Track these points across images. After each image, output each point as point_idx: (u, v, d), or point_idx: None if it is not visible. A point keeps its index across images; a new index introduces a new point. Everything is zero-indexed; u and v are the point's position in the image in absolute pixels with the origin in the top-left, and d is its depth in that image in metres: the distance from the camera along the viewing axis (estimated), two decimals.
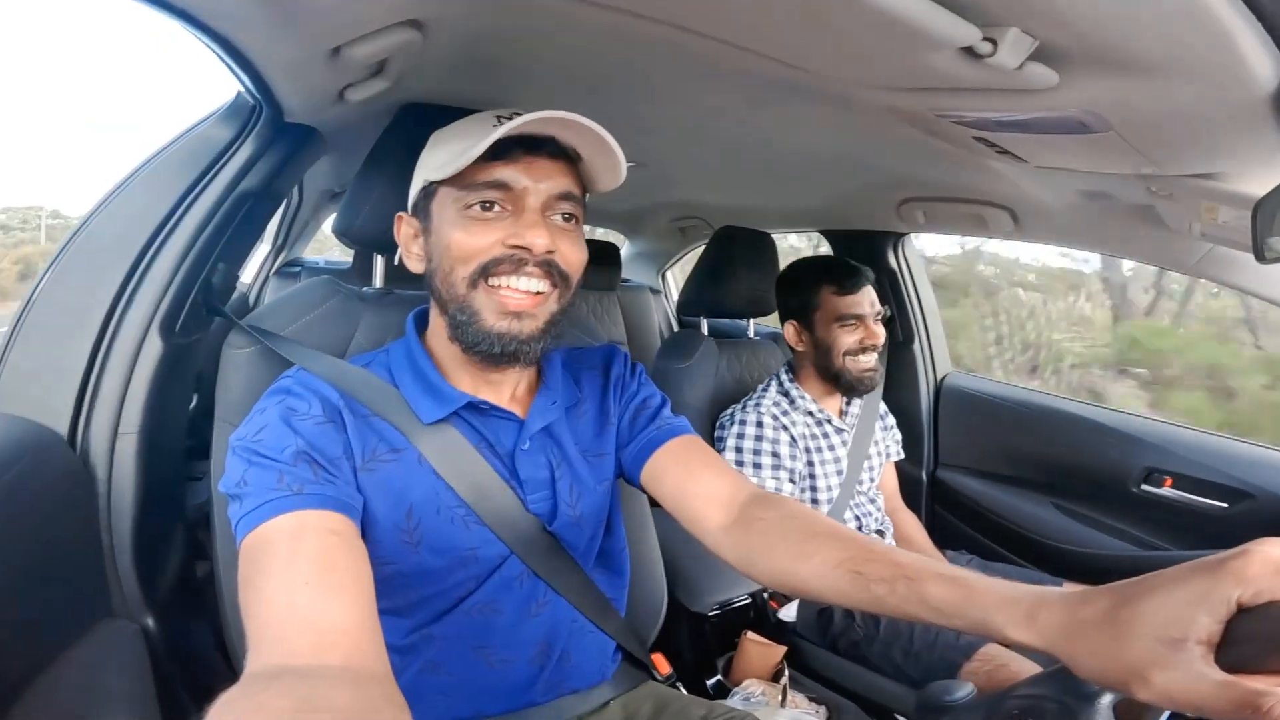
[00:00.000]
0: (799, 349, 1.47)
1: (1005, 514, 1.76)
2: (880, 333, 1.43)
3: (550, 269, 0.71)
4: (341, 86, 0.91)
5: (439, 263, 0.73)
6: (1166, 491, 1.51)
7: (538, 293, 0.71)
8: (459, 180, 0.70)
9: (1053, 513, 1.70)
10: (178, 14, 0.67)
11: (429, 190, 0.74)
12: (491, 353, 0.71)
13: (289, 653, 0.51)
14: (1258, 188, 0.89)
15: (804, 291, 1.46)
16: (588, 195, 0.78)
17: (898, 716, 1.15)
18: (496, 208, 0.70)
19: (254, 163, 0.98)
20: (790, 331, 1.48)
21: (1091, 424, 1.67)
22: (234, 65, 0.81)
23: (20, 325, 0.88)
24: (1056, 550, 1.63)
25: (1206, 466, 1.46)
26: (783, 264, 1.65)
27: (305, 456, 0.65)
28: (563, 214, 0.73)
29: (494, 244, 0.69)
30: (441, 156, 0.72)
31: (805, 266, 1.53)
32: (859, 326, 1.41)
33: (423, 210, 0.75)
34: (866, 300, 1.43)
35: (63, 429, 0.86)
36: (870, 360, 1.42)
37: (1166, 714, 0.50)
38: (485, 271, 0.70)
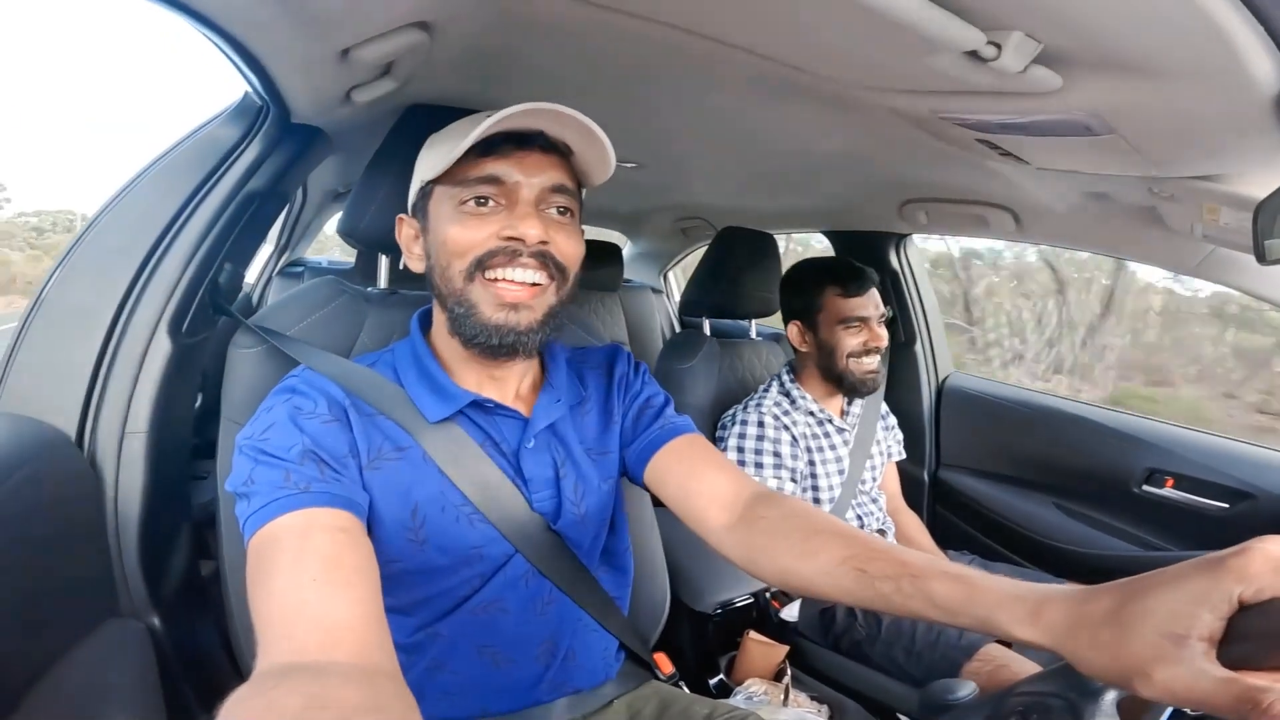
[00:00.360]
0: (802, 350, 1.47)
1: (1007, 514, 1.77)
2: (884, 335, 1.43)
3: (546, 260, 0.71)
4: (349, 87, 0.91)
5: (437, 259, 0.73)
6: (1168, 492, 1.51)
7: (534, 284, 0.71)
8: (453, 178, 0.71)
9: (1054, 513, 1.70)
10: (192, 14, 0.67)
11: (426, 191, 0.75)
12: (490, 344, 0.71)
13: (298, 650, 0.51)
14: (1259, 189, 0.90)
15: (808, 293, 1.46)
16: (584, 190, 0.78)
17: (900, 715, 1.15)
18: (491, 203, 0.71)
19: (261, 163, 0.98)
20: (794, 332, 1.48)
21: (1093, 425, 1.67)
22: (243, 66, 0.81)
23: (28, 325, 0.88)
24: (1058, 550, 1.64)
25: (1208, 467, 1.47)
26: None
27: (312, 455, 0.65)
28: (557, 207, 0.73)
29: (488, 237, 0.70)
30: (435, 157, 0.73)
31: (810, 267, 1.53)
32: (863, 329, 1.41)
33: (421, 211, 0.76)
34: (871, 303, 1.43)
35: (70, 429, 0.86)
36: (873, 362, 1.42)
37: (1169, 710, 0.51)
38: (481, 264, 0.70)
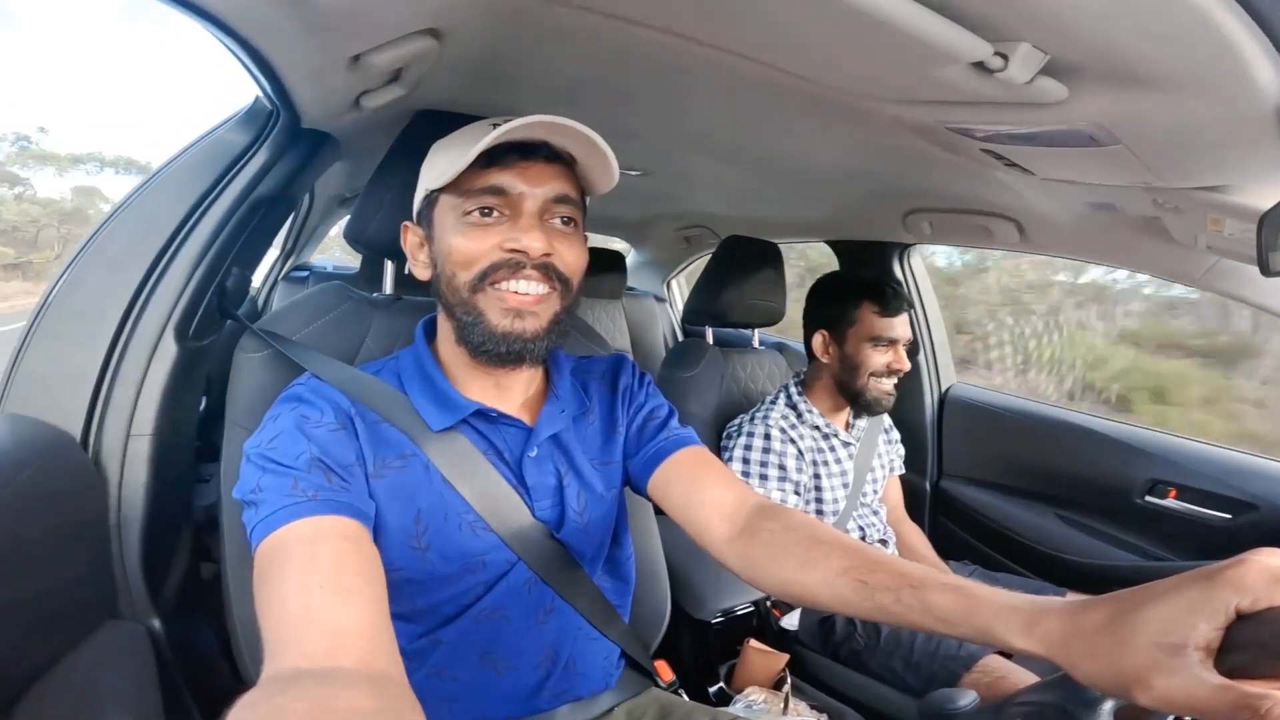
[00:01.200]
0: (824, 360, 1.46)
1: (1009, 524, 1.76)
2: (907, 362, 1.42)
3: (549, 272, 0.72)
4: (359, 93, 0.91)
5: (442, 269, 0.74)
6: (1170, 503, 1.51)
7: (538, 295, 0.72)
8: (457, 188, 0.71)
9: (1056, 523, 1.70)
10: (206, 18, 0.68)
11: (431, 199, 0.75)
12: (498, 352, 0.72)
13: (305, 655, 0.51)
14: (1263, 200, 0.90)
15: (843, 304, 1.44)
16: (588, 199, 0.79)
17: None
18: (495, 213, 0.71)
19: (270, 168, 0.98)
20: (818, 342, 1.46)
21: (1095, 435, 1.67)
22: (255, 70, 0.82)
23: (36, 327, 0.88)
24: (1061, 560, 1.63)
25: (1210, 478, 1.46)
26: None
27: (319, 463, 0.66)
28: (561, 217, 0.74)
29: (492, 249, 0.70)
30: (440, 165, 0.73)
31: (848, 280, 1.53)
32: (891, 349, 1.40)
33: (426, 218, 0.76)
34: (902, 325, 1.42)
35: (75, 431, 0.86)
36: (891, 384, 1.42)
37: (1168, 719, 0.51)
38: (485, 276, 0.71)
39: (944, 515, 1.93)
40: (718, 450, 1.47)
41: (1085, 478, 1.67)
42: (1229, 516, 1.42)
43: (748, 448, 1.38)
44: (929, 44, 0.64)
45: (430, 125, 0.91)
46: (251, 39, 0.73)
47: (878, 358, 1.40)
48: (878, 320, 1.40)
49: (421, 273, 0.78)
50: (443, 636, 0.75)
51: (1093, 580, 1.53)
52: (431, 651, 0.75)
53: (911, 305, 1.46)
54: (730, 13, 0.73)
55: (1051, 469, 1.75)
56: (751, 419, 1.43)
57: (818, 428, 1.44)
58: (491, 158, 0.69)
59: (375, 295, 0.99)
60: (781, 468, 1.36)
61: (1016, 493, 1.81)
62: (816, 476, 1.40)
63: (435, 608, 0.74)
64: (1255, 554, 0.41)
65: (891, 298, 1.42)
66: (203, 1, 0.64)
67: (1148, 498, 1.54)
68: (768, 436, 1.38)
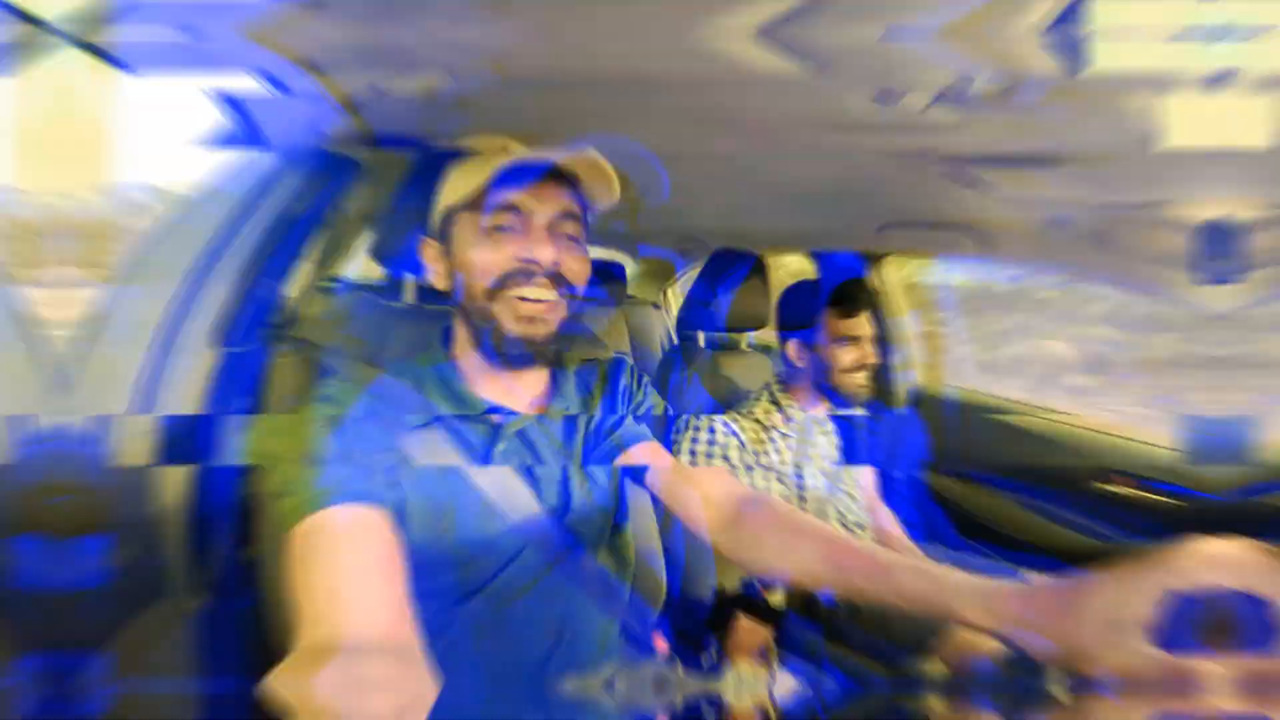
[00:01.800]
0: (799, 365, 1.56)
1: (975, 511, 1.90)
2: (875, 354, 1.52)
3: (558, 281, 0.81)
4: (386, 115, 0.96)
5: (461, 279, 0.83)
6: (1125, 490, 1.64)
7: (548, 301, 0.81)
8: (474, 205, 0.80)
9: (1020, 509, 1.84)
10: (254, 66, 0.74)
11: (448, 215, 0.84)
12: (510, 355, 0.81)
13: (333, 632, 0.58)
14: (1201, 213, 0.97)
15: (805, 310, 1.55)
16: (589, 213, 0.88)
17: (878, 692, 1.22)
18: (507, 228, 0.80)
19: (301, 185, 1.04)
20: (791, 349, 1.57)
21: (1052, 431, 1.82)
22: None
23: (81, 334, 0.94)
24: (1022, 543, 1.77)
25: (1159, 470, 1.59)
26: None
27: (346, 455, 0.72)
28: (567, 232, 0.83)
29: (507, 259, 0.79)
30: (458, 185, 0.82)
31: (807, 286, 1.62)
32: (857, 347, 1.50)
33: (444, 234, 0.85)
34: (865, 322, 1.52)
35: (118, 435, 0.90)
36: (864, 378, 1.52)
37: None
38: (501, 285, 0.80)
39: (917, 503, 2.03)
40: (709, 444, 1.55)
41: (1048, 466, 1.79)
42: (1178, 503, 1.53)
43: (720, 444, 1.48)
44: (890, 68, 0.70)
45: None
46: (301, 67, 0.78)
47: (845, 356, 1.50)
48: (839, 322, 1.50)
49: (439, 283, 0.87)
50: (450, 618, 0.81)
51: (1052, 561, 1.62)
52: (439, 632, 0.81)
53: (873, 305, 1.56)
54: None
55: (1020, 460, 1.88)
56: (737, 415, 1.54)
57: (794, 420, 1.54)
58: (504, 177, 0.79)
59: (398, 305, 1.07)
60: (761, 457, 1.47)
61: (987, 482, 1.94)
62: (798, 465, 1.51)
63: (443, 591, 0.80)
64: (1193, 541, 0.47)
65: (848, 299, 1.52)
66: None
67: (1103, 485, 1.68)
68: (756, 428, 1.50)
